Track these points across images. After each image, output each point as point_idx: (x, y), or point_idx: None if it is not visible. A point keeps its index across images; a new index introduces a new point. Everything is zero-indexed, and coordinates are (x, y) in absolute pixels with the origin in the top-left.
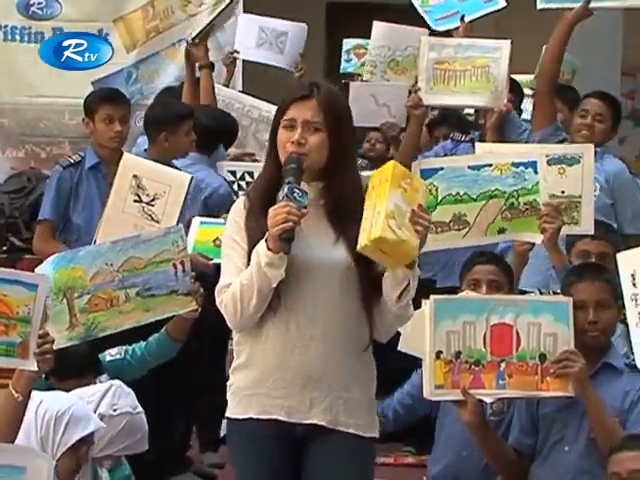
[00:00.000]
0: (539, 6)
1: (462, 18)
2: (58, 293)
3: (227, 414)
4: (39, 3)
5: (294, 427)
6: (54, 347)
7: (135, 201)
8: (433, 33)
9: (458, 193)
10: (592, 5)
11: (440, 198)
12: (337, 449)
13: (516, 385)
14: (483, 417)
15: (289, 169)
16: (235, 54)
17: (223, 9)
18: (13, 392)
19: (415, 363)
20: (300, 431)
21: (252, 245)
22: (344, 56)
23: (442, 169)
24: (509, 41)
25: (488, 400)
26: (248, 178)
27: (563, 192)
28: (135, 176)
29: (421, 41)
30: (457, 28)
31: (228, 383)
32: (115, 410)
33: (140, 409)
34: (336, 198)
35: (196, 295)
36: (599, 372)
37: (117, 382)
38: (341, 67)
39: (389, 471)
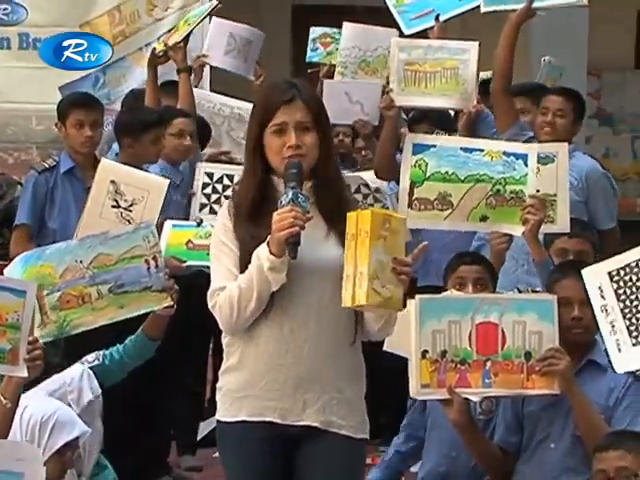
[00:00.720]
0: (482, 9)
1: (437, 17)
2: None
3: (217, 417)
4: (4, 9)
5: (287, 429)
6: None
7: (113, 206)
8: (402, 34)
9: (447, 172)
10: (535, 5)
11: (428, 174)
12: (330, 450)
13: (502, 384)
14: (470, 416)
15: (291, 174)
16: (204, 58)
17: (205, 16)
18: (1, 399)
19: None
20: (293, 432)
21: (244, 250)
22: (310, 45)
23: (435, 146)
24: (477, 43)
25: (474, 399)
26: (226, 181)
27: (538, 191)
28: (113, 181)
29: (391, 42)
30: (431, 27)
31: (218, 385)
32: (93, 393)
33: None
34: (326, 195)
35: (171, 292)
36: (583, 369)
37: (83, 366)
38: (307, 56)
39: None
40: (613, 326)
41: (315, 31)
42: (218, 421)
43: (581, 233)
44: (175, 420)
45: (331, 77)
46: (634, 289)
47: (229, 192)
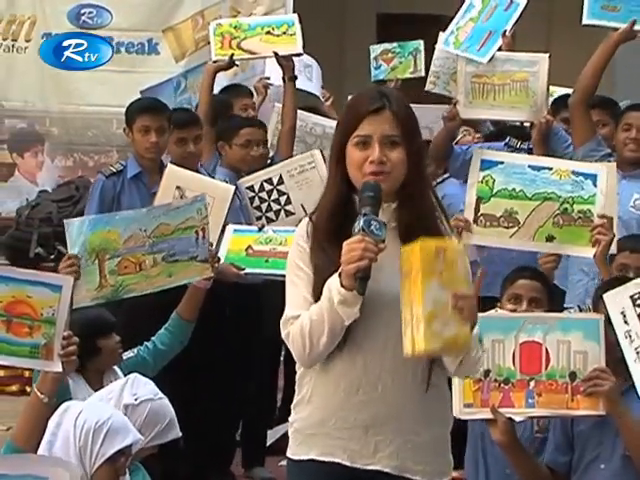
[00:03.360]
0: (584, 21)
1: (504, 34)
2: (91, 253)
3: (288, 454)
4: (90, 12)
5: (357, 472)
6: (75, 305)
7: None
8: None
9: (514, 189)
10: (638, 27)
11: (495, 191)
12: None
13: (546, 404)
14: (514, 435)
15: (366, 197)
16: (266, 80)
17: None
18: (39, 394)
19: None
20: (364, 477)
21: (319, 278)
22: (372, 63)
23: (502, 163)
24: (547, 55)
25: (518, 419)
26: (267, 186)
27: None
28: (178, 187)
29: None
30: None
31: (290, 419)
32: (136, 399)
33: (161, 395)
34: (411, 220)
35: (212, 261)
36: (631, 388)
37: (133, 374)
38: (372, 75)
39: None
40: (638, 353)
41: (374, 49)
42: (288, 459)
43: None
44: (242, 427)
45: (400, 91)
46: None
47: (275, 195)
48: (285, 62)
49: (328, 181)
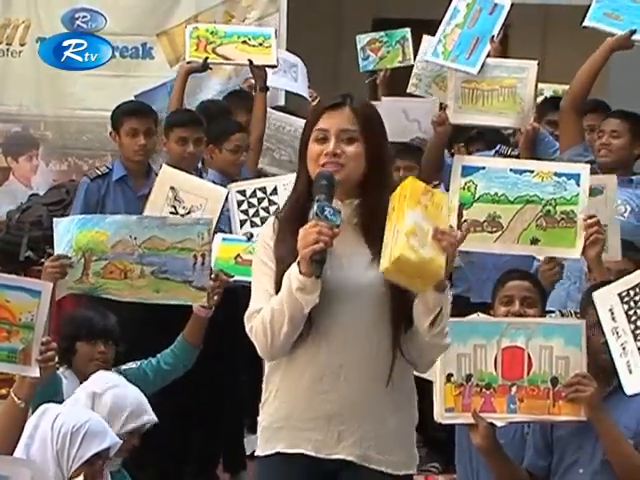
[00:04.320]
0: (585, 23)
1: (492, 39)
2: (77, 251)
3: (257, 453)
4: (84, 17)
5: (323, 463)
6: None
7: (171, 213)
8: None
9: (496, 193)
10: (635, 37)
11: (477, 196)
12: None
13: (527, 409)
14: (494, 440)
15: (319, 186)
16: (251, 80)
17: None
18: (15, 399)
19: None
20: (330, 468)
21: (281, 269)
22: (360, 54)
23: (484, 168)
24: (535, 62)
25: (499, 424)
26: (260, 194)
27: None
28: (172, 188)
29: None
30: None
31: (258, 419)
32: (102, 388)
33: (129, 384)
34: (372, 216)
35: (212, 293)
36: (613, 394)
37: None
38: (360, 66)
39: None
40: (624, 348)
41: (361, 39)
42: (256, 457)
43: (624, 253)
44: (225, 436)
45: (390, 81)
46: None
47: (265, 203)
48: (258, 72)
49: (295, 179)
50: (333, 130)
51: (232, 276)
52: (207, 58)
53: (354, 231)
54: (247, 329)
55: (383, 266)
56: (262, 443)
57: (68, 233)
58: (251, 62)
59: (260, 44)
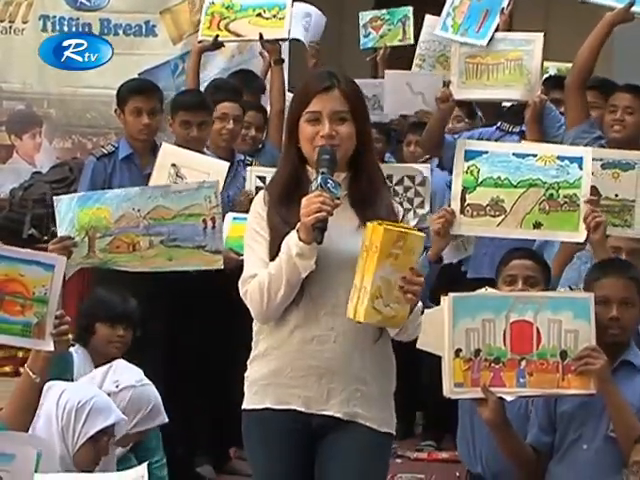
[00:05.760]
0: None
1: (502, 11)
2: (80, 230)
3: (243, 406)
4: None
5: (310, 418)
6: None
7: None
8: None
9: (499, 177)
10: (634, 9)
11: (480, 180)
12: (353, 442)
13: (537, 383)
14: (504, 415)
15: (323, 160)
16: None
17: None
18: (30, 373)
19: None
20: (316, 423)
21: (275, 237)
22: (362, 31)
23: (487, 152)
24: (542, 34)
25: (509, 398)
26: None
27: (617, 195)
28: (174, 165)
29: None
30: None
31: (245, 375)
32: (117, 386)
33: (146, 381)
34: (360, 188)
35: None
36: (618, 370)
37: (118, 360)
38: (360, 43)
39: (423, 466)
40: None
41: (364, 16)
42: (243, 410)
43: None
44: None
45: (389, 60)
46: None
47: None
48: (270, 46)
49: (282, 155)
50: (325, 112)
51: (242, 254)
52: (217, 36)
53: (344, 202)
54: (241, 293)
55: (350, 314)
56: (249, 396)
57: (70, 212)
58: (262, 37)
59: (274, 15)
